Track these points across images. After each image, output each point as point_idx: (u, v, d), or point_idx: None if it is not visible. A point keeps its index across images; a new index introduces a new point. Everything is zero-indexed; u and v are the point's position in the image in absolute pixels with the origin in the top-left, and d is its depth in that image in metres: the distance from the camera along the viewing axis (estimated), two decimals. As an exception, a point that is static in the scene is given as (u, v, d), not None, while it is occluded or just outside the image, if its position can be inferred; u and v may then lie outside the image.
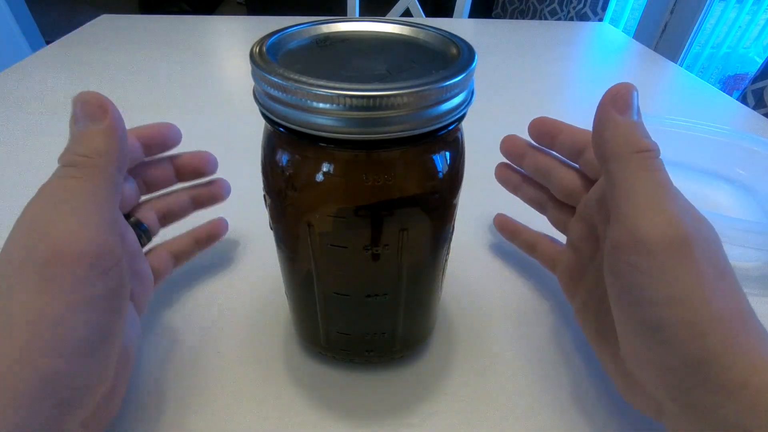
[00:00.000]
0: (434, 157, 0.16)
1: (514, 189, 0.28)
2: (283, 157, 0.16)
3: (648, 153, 0.17)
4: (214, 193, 0.27)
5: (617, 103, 0.18)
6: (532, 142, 0.26)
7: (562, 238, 0.26)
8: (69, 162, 0.17)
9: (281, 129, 0.15)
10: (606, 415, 0.22)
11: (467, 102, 0.16)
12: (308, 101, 0.13)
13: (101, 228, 0.16)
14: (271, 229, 0.20)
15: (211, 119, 0.47)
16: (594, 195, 0.22)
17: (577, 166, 0.24)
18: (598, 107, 0.19)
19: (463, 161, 0.18)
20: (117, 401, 0.19)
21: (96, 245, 0.15)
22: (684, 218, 0.16)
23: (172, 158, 0.25)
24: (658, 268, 0.16)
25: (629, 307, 0.17)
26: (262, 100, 0.15)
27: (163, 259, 0.25)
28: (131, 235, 0.22)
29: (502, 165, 0.29)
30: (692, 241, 0.16)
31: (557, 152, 0.25)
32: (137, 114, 0.47)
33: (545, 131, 0.25)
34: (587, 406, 0.22)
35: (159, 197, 0.25)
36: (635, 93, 0.18)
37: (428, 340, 0.25)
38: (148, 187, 0.25)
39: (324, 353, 0.23)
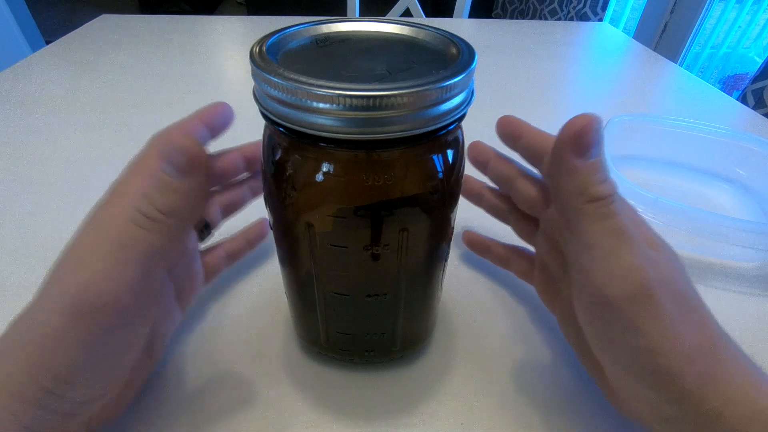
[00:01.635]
0: (434, 157, 0.16)
1: (476, 200, 0.27)
2: (283, 157, 0.16)
3: (603, 201, 0.16)
4: None
5: (577, 144, 0.16)
6: (495, 149, 0.24)
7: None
8: (145, 211, 0.15)
9: (281, 129, 0.15)
10: (606, 415, 0.22)
11: (467, 102, 0.16)
12: (308, 101, 0.13)
13: (140, 288, 0.16)
14: (271, 229, 0.20)
15: (211, 119, 0.47)
16: (556, 213, 0.21)
17: (539, 175, 0.23)
18: (555, 145, 0.17)
19: (464, 161, 0.18)
20: (123, 404, 0.20)
21: (126, 303, 0.15)
22: (643, 267, 0.16)
23: (239, 149, 0.23)
24: (624, 321, 0.16)
25: (603, 347, 0.17)
26: (262, 100, 0.15)
27: (218, 257, 0.26)
28: (193, 239, 0.22)
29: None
30: (653, 289, 0.15)
31: (520, 154, 0.23)
32: (137, 114, 0.47)
33: (509, 132, 0.22)
34: (588, 406, 0.22)
35: (223, 190, 0.25)
36: (597, 127, 0.16)
37: (428, 340, 0.25)
38: (216, 179, 0.23)
39: (324, 353, 0.23)
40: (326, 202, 0.16)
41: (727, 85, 1.58)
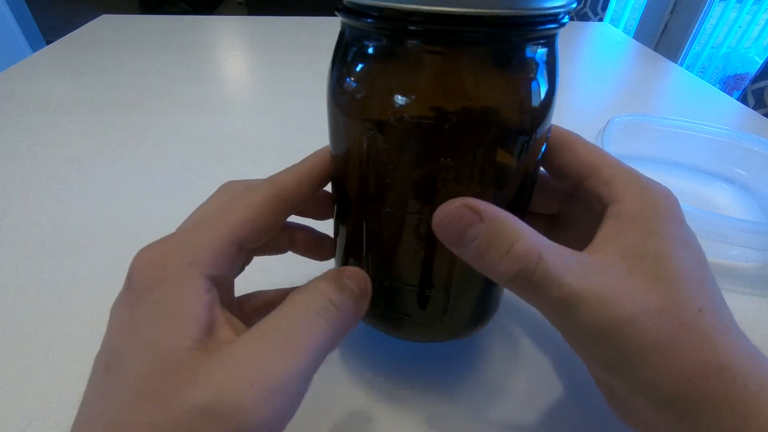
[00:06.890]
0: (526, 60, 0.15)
1: None
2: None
3: (519, 279, 0.14)
4: None
5: (450, 237, 0.15)
6: None
7: None
8: (327, 296, 0.15)
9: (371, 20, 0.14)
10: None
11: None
12: None
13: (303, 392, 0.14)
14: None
15: (211, 119, 0.47)
16: None
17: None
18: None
19: (554, 94, 0.16)
20: None
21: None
22: (602, 322, 0.14)
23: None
24: (611, 363, 0.15)
25: (602, 376, 0.16)
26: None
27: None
28: None
29: None
30: (623, 341, 0.14)
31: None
32: (137, 114, 0.47)
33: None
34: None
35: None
36: (460, 213, 0.14)
37: (483, 323, 0.21)
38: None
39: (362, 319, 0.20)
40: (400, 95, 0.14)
41: (727, 85, 1.59)
